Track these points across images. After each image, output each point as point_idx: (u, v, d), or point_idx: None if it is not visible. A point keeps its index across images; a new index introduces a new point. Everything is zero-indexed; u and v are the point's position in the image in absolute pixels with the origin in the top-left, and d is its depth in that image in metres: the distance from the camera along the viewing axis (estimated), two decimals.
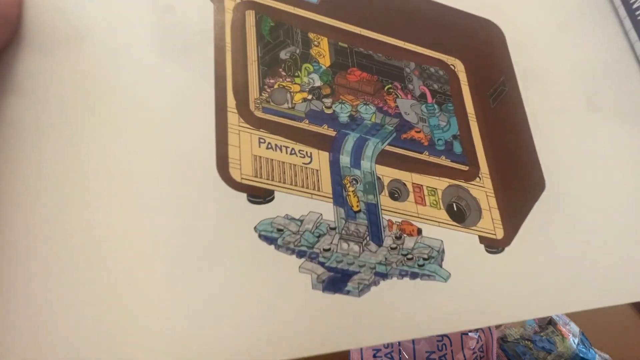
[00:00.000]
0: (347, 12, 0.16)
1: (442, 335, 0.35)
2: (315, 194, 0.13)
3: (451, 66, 0.17)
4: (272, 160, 0.13)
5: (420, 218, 0.14)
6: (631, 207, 0.17)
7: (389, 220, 0.14)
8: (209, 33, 0.14)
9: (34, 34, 0.13)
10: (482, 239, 0.14)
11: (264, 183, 0.13)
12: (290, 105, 0.14)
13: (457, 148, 0.15)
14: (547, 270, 0.15)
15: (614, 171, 0.17)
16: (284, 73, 0.14)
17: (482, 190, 0.15)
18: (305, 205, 0.13)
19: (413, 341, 0.34)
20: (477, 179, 0.15)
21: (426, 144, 0.15)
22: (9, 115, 0.12)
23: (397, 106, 0.15)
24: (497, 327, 0.41)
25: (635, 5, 0.22)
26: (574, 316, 0.42)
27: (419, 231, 0.14)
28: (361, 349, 0.32)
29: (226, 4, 0.15)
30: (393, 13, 0.17)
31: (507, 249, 0.14)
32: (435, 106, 0.16)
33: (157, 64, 0.13)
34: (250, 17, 0.15)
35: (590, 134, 0.18)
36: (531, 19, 0.19)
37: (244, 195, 0.13)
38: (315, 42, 0.15)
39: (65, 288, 0.11)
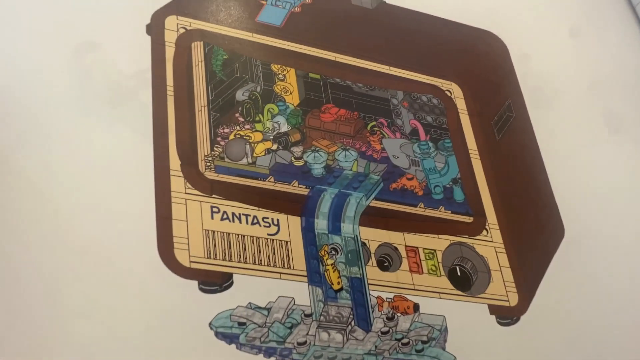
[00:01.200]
0: (318, 35, 0.13)
1: None
2: (284, 273, 0.11)
3: (447, 92, 0.14)
4: (228, 234, 0.11)
5: (417, 290, 0.12)
6: None
7: (378, 297, 0.11)
8: (145, 75, 0.11)
9: None
10: (493, 309, 0.12)
11: (219, 265, 0.10)
12: (250, 160, 0.11)
13: (459, 195, 0.13)
14: (572, 334, 0.12)
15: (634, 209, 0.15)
16: (241, 119, 0.12)
17: (491, 245, 0.13)
18: (273, 289, 0.11)
19: None
20: (484, 231, 0.13)
21: (421, 193, 0.13)
22: None
23: (383, 148, 0.13)
24: None
25: None
26: None
27: (416, 307, 0.11)
28: None
29: (167, 35, 0.12)
30: (375, 31, 0.14)
31: (522, 317, 0.12)
32: (430, 144, 0.13)
33: (78, 122, 0.11)
34: (198, 50, 0.12)
35: (612, 160, 0.15)
36: (537, 26, 0.16)
37: (194, 283, 0.10)
38: (280, 76, 0.13)
39: None
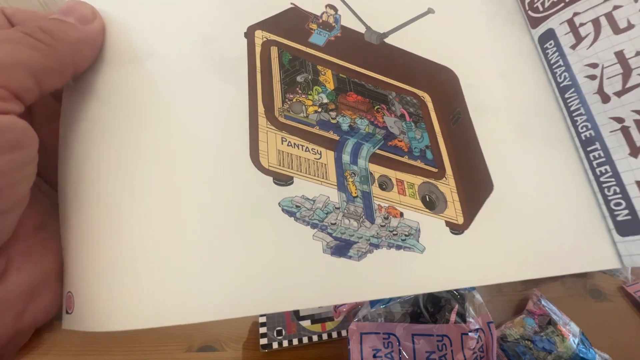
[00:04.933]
0: (345, 53, 0.21)
1: (442, 335, 0.35)
2: (324, 182, 0.17)
3: (421, 97, 0.22)
4: (291, 154, 0.17)
5: (402, 205, 0.18)
6: (555, 206, 0.22)
7: (379, 205, 0.18)
8: (243, 59, 0.18)
9: (112, 52, 0.17)
10: (448, 223, 0.19)
11: (286, 171, 0.17)
12: (305, 115, 0.18)
13: (429, 155, 0.20)
14: (495, 247, 0.19)
15: (541, 179, 0.22)
16: (300, 91, 0.19)
17: (447, 187, 0.20)
18: (317, 190, 0.17)
19: (413, 341, 0.34)
20: (444, 178, 0.20)
21: (406, 150, 0.20)
22: (92, 118, 0.16)
23: (384, 121, 0.20)
24: (497, 327, 0.41)
25: (554, 66, 0.29)
26: (574, 317, 0.42)
27: (401, 214, 0.18)
28: (361, 349, 0.32)
29: (256, 39, 0.19)
30: (378, 57, 0.22)
31: (466, 231, 0.19)
32: (412, 124, 0.21)
33: (204, 78, 0.17)
34: (274, 51, 0.19)
35: (523, 151, 0.23)
36: (479, 68, 0.25)
37: (270, 179, 0.16)
38: (322, 72, 0.20)
39: (133, 243, 0.14)
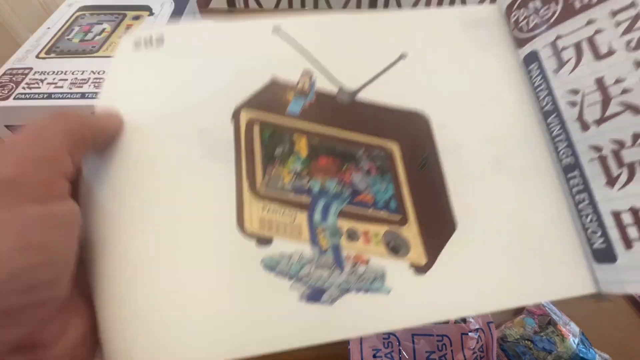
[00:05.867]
0: (318, 117, 0.24)
1: (442, 335, 0.36)
2: (298, 239, 0.21)
3: (389, 149, 0.25)
4: (271, 219, 0.21)
5: (368, 253, 0.21)
6: (532, 235, 0.22)
7: (347, 255, 0.21)
8: (231, 141, 0.23)
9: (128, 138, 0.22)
10: (411, 265, 0.21)
11: (266, 233, 0.21)
12: (282, 185, 0.22)
13: (392, 205, 0.23)
14: (461, 282, 0.21)
15: (517, 208, 0.23)
16: (277, 163, 0.23)
17: (410, 232, 0.22)
18: (293, 246, 0.21)
19: (413, 341, 0.35)
20: (407, 224, 0.22)
21: (371, 203, 0.23)
22: (112, 185, 0.21)
23: (351, 179, 0.23)
24: (497, 327, 0.41)
25: (537, 89, 0.27)
26: (574, 317, 0.43)
27: (368, 261, 0.21)
28: (361, 349, 0.34)
29: (241, 120, 0.24)
30: (350, 115, 0.24)
31: (429, 271, 0.21)
32: (378, 177, 0.24)
33: (200, 162, 0.22)
34: (256, 129, 0.24)
35: (497, 183, 0.23)
36: (453, 104, 0.25)
37: (253, 241, 0.21)
38: (297, 142, 0.24)
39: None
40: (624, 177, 0.21)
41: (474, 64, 0.26)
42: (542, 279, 0.21)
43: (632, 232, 0.20)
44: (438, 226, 0.22)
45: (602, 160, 0.22)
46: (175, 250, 0.20)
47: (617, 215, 0.21)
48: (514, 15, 0.27)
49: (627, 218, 0.20)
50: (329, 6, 1.39)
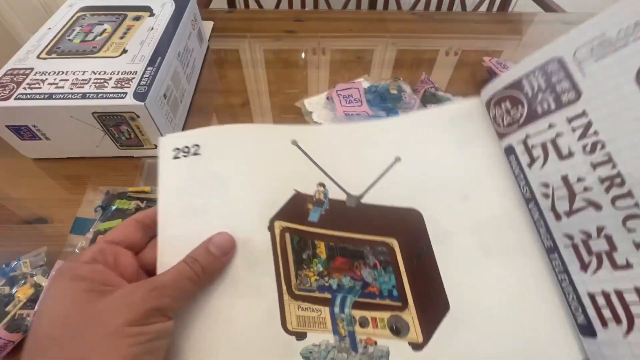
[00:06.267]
0: (333, 223, 0.29)
1: None
2: (324, 330, 0.25)
3: (390, 244, 0.30)
4: (304, 316, 0.28)
5: (376, 335, 0.25)
6: (521, 310, 0.24)
7: (360, 339, 0.25)
8: (269, 251, 0.30)
9: None
10: (410, 343, 0.25)
11: (302, 329, 0.27)
12: (310, 285, 0.29)
13: (395, 293, 0.26)
14: (453, 357, 0.25)
15: (500, 294, 0.25)
16: (305, 266, 0.30)
17: (409, 315, 0.26)
18: (320, 337, 0.26)
19: None
20: (407, 309, 0.26)
21: (377, 293, 0.27)
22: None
23: (361, 274, 0.28)
24: None
25: (517, 177, 0.27)
26: None
27: (376, 342, 0.25)
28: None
29: (276, 230, 0.31)
30: (357, 218, 0.29)
31: (425, 347, 0.25)
32: (382, 270, 0.28)
33: (244, 274, 0.29)
34: (287, 238, 0.31)
35: (485, 265, 0.26)
36: (442, 198, 0.29)
37: (293, 337, 0.27)
38: (318, 245, 0.30)
39: None
40: (594, 264, 0.22)
41: (461, 158, 0.29)
42: (533, 350, 0.23)
43: (606, 313, 0.21)
44: (433, 308, 0.26)
45: (575, 247, 0.23)
46: (234, 350, 0.24)
47: (592, 297, 0.22)
48: (492, 111, 0.30)
49: (600, 300, 0.21)
50: (329, 6, 1.38)
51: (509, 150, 0.28)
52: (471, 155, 0.29)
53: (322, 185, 0.29)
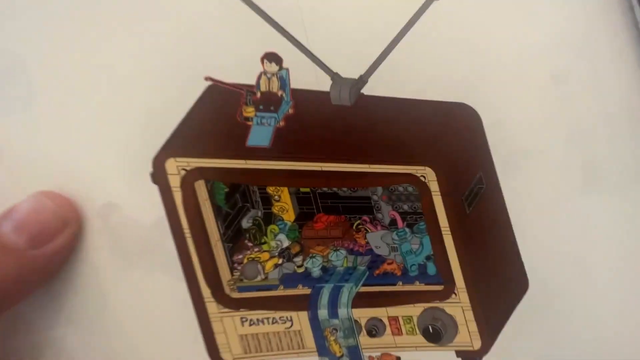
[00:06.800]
0: (304, 146, 0.15)
1: None
2: (301, 352, 0.15)
3: (421, 177, 0.16)
4: (257, 335, 0.15)
5: (398, 347, 0.16)
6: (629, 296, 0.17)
7: (369, 357, 0.16)
8: (163, 222, 0.14)
9: None
10: (459, 353, 0.16)
11: (255, 357, 0.15)
12: (263, 276, 0.15)
13: (431, 269, 0.16)
14: None
15: (610, 256, 0.17)
16: (250, 244, 0.15)
17: (458, 305, 0.16)
18: None
19: None
20: (453, 295, 0.16)
21: (399, 274, 0.16)
22: None
23: (367, 242, 0.16)
24: None
25: None
26: None
27: (398, 359, 0.16)
28: None
29: (171, 180, 0.14)
30: (355, 129, 0.16)
31: (485, 357, 0.16)
32: (407, 230, 0.16)
33: (121, 277, 0.14)
34: (202, 189, 0.15)
35: (584, 217, 0.17)
36: (513, 84, 0.17)
37: None
38: (276, 197, 0.15)
39: None
40: None
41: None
42: None
43: None
44: (500, 290, 0.17)
45: None
46: None
47: None
48: None
49: None
50: None
51: None
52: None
53: (272, 56, 0.15)
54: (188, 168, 0.15)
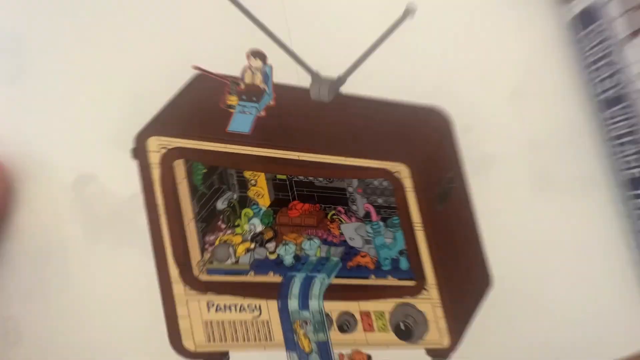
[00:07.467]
0: (282, 136, 0.16)
1: None
2: (268, 345, 0.15)
3: (395, 174, 0.16)
4: (222, 322, 0.14)
5: (369, 345, 0.15)
6: (584, 289, 0.18)
7: (340, 354, 0.15)
8: (138, 198, 0.14)
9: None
10: (429, 351, 0.16)
11: (218, 346, 0.14)
12: (234, 260, 0.15)
13: (404, 264, 0.16)
14: None
15: (564, 253, 0.18)
16: (223, 225, 0.15)
17: (429, 301, 0.16)
18: (260, 358, 0.14)
19: None
20: (424, 291, 0.16)
21: (372, 267, 0.16)
22: None
23: (341, 233, 0.16)
24: None
25: (597, 64, 0.21)
26: None
27: (369, 358, 0.15)
28: None
29: (151, 157, 0.14)
30: (333, 124, 0.16)
31: (452, 354, 0.16)
32: (380, 224, 0.16)
33: (88, 250, 0.14)
34: (180, 168, 0.15)
35: (537, 218, 0.18)
36: (481, 94, 0.18)
37: None
38: (252, 181, 0.15)
39: None
40: None
41: (507, 26, 0.18)
42: (598, 338, 0.17)
43: None
44: (467, 287, 0.17)
45: None
46: None
47: None
48: None
49: None
50: None
51: (587, 16, 0.18)
52: (519, 25, 0.18)
53: (257, 54, 0.16)
54: (169, 147, 0.15)
